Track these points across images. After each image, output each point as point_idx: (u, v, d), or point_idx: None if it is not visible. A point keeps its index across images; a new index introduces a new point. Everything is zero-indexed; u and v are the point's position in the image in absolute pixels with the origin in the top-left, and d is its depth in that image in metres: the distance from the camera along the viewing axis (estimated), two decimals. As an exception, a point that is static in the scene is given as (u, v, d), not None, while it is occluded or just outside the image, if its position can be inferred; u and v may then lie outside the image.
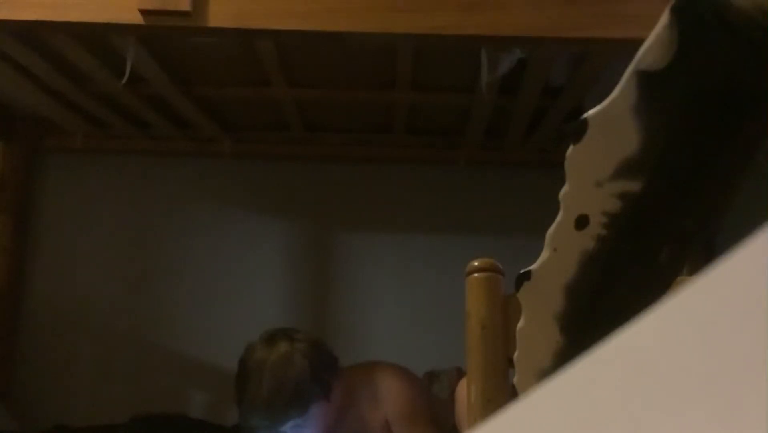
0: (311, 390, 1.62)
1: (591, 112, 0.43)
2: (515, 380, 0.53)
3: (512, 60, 1.66)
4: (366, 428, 1.74)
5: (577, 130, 0.43)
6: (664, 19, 0.39)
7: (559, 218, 0.46)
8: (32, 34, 1.61)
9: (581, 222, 0.44)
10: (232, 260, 2.44)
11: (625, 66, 0.42)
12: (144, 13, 1.38)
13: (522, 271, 0.49)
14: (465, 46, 1.66)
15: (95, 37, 1.64)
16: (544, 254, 0.47)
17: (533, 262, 0.49)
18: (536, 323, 0.49)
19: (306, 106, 2.23)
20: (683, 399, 0.19)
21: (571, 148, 0.44)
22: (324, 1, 1.39)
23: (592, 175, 0.43)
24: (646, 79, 0.40)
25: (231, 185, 2.49)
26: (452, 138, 2.42)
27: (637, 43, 0.41)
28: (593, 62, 1.71)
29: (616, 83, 0.42)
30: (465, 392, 0.91)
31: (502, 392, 0.82)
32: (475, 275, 0.85)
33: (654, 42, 0.40)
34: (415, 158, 2.49)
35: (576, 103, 1.99)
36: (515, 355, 0.52)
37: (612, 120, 0.42)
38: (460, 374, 1.79)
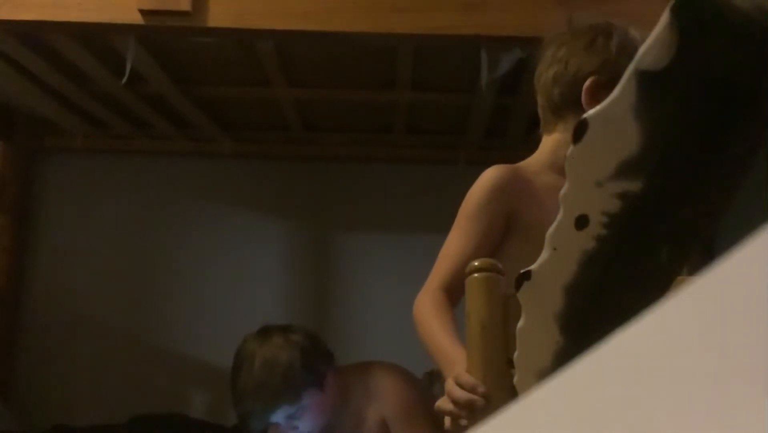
0: (303, 377, 1.63)
1: (591, 112, 0.43)
2: (515, 380, 0.53)
3: (512, 60, 1.66)
4: (363, 427, 1.74)
5: (577, 130, 0.43)
6: (664, 19, 0.39)
7: (559, 217, 0.46)
8: (32, 34, 1.61)
9: (581, 222, 0.44)
10: (231, 260, 2.43)
11: (625, 66, 0.42)
12: (144, 13, 1.38)
13: (522, 271, 0.49)
14: (465, 46, 1.66)
15: (95, 37, 1.64)
16: (544, 254, 0.47)
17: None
18: (536, 323, 0.49)
19: (306, 106, 2.22)
20: (683, 399, 0.19)
21: (571, 148, 0.44)
22: (324, 1, 1.39)
23: (592, 175, 0.43)
24: (646, 79, 0.40)
25: (231, 185, 2.49)
26: (452, 138, 2.41)
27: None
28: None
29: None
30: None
31: (502, 392, 0.82)
32: (475, 275, 0.85)
33: (654, 42, 0.40)
34: (415, 158, 2.48)
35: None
36: (515, 355, 0.52)
37: (612, 120, 0.42)
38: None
